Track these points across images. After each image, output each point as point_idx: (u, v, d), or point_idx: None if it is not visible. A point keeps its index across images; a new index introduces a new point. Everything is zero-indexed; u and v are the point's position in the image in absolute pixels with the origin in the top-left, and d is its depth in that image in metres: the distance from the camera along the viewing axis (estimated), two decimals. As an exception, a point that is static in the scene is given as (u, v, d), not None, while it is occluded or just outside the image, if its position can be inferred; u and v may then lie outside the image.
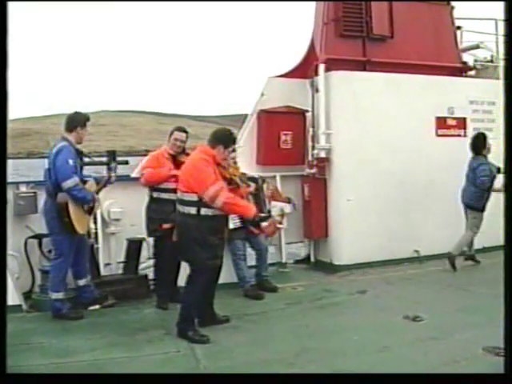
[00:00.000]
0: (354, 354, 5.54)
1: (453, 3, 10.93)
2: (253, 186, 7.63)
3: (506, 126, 3.54)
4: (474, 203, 9.17)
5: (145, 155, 8.19)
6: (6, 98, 3.42)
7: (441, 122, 10.10)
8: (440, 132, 10.08)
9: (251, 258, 8.18)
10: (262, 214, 7.81)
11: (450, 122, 10.18)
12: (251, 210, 6.20)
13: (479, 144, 9.28)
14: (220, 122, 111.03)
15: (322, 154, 9.32)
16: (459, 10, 11.13)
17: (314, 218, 9.42)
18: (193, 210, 5.88)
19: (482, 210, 9.15)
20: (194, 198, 5.87)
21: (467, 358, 5.32)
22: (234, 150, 7.52)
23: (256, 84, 9.59)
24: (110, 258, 8.12)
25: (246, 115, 9.80)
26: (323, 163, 9.35)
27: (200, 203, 5.84)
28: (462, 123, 10.25)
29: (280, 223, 8.77)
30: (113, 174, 6.97)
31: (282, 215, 8.71)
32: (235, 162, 7.67)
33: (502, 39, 11.26)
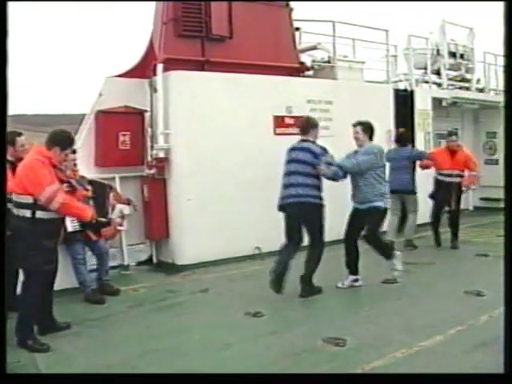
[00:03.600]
0: (196, 353, 5.87)
1: (292, 4, 11.82)
2: (90, 189, 7.85)
3: (507, 125, 3.64)
4: (413, 188, 11.20)
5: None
6: (5, 97, 3.59)
7: (279, 121, 10.94)
8: (278, 131, 10.90)
9: (92, 261, 8.38)
10: (102, 219, 8.11)
11: (288, 121, 11.00)
12: (88, 212, 6.48)
13: (407, 137, 11.72)
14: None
15: (161, 154, 9.83)
16: (298, 11, 12.06)
17: (155, 218, 9.91)
18: (28, 213, 5.98)
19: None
20: (29, 200, 5.96)
21: (307, 350, 5.82)
22: (74, 152, 7.79)
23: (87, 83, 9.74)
24: None
25: (83, 115, 10.03)
26: (162, 163, 9.87)
27: (35, 206, 5.95)
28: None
29: (120, 225, 9.12)
30: None
31: (123, 217, 9.06)
32: (75, 165, 7.92)
33: (338, 40, 12.34)
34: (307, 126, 8.33)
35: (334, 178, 8.13)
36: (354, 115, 11.48)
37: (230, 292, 8.42)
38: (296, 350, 5.85)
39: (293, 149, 8.22)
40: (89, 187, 7.72)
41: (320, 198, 8.01)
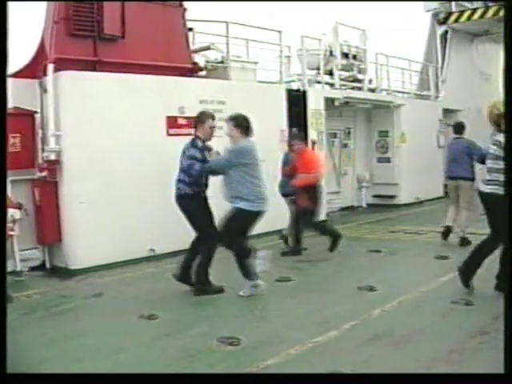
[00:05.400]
0: (90, 358, 5.91)
1: (185, 5, 12.08)
2: None
3: (507, 122, 3.77)
4: None
5: None
6: (5, 96, 3.63)
7: (172, 122, 11.20)
8: (171, 131, 11.17)
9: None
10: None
11: (181, 122, 11.27)
12: None
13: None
14: None
15: (52, 157, 9.87)
16: (192, 11, 12.31)
17: (46, 222, 9.94)
18: None
19: None
20: None
21: (202, 351, 5.97)
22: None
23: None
24: None
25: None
26: (53, 166, 9.91)
27: None
28: (192, 122, 11.27)
29: (11, 230, 9.10)
30: None
31: (14, 221, 9.04)
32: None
33: (231, 41, 12.69)
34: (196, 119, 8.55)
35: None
36: (248, 115, 11.95)
37: (125, 295, 8.52)
38: (191, 351, 5.99)
39: None
40: None
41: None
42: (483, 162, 9.74)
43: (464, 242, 10.97)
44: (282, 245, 11.48)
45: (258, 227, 10.53)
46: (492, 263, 7.63)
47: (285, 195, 11.27)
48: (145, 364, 5.74)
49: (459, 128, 11.74)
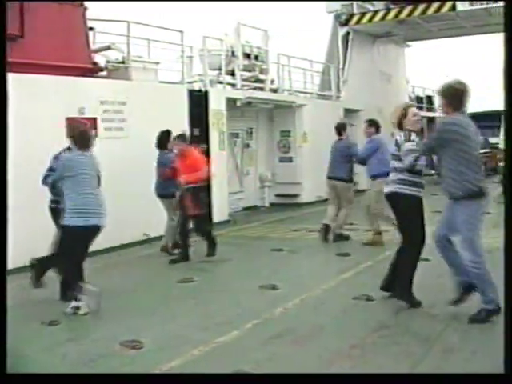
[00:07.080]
0: None
1: (86, 4, 12.21)
2: None
3: (507, 120, 3.85)
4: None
5: None
6: (5, 98, 3.66)
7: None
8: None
9: None
10: None
11: (81, 123, 11.31)
12: None
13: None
14: None
15: (-51, 161, 9.73)
16: (92, 10, 12.44)
17: None
18: None
19: None
20: None
21: (105, 356, 5.96)
22: None
23: None
24: None
25: None
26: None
27: None
28: (92, 123, 11.27)
29: None
30: None
31: None
32: None
33: (133, 41, 12.92)
34: None
35: None
36: (149, 116, 12.20)
37: (25, 302, 8.18)
38: (93, 356, 5.97)
39: None
40: None
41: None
42: (362, 163, 10.54)
43: (340, 237, 11.77)
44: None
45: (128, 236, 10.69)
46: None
47: (163, 196, 11.09)
48: (48, 370, 5.60)
49: (341, 129, 11.98)
